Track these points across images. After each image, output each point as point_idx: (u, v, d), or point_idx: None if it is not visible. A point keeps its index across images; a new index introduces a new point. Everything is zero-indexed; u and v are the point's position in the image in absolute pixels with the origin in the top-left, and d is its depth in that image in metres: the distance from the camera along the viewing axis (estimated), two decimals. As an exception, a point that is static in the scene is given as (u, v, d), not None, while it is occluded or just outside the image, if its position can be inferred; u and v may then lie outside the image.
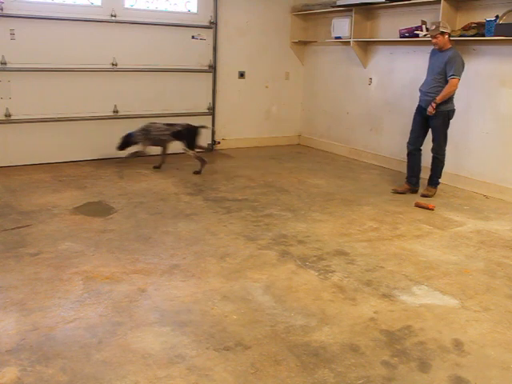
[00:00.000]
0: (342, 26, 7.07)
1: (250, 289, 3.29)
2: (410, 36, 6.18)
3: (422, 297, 3.27)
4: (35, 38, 6.22)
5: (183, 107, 7.39)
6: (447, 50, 5.12)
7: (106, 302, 3.06)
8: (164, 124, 6.27)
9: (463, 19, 5.76)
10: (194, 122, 7.45)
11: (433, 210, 5.05)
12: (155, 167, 6.49)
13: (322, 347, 2.67)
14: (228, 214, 4.75)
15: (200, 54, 7.40)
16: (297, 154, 7.81)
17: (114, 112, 6.86)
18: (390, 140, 6.94)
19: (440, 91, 5.10)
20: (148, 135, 6.18)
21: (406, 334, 2.83)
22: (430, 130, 5.39)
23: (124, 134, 6.22)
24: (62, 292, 3.15)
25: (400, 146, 6.76)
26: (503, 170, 5.50)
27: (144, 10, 6.92)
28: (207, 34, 7.41)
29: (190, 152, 6.22)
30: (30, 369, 2.41)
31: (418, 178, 5.59)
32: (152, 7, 7.01)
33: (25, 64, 6.21)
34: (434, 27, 5.13)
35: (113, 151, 6.65)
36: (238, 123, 8.02)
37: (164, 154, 6.49)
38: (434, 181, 5.50)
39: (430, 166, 5.48)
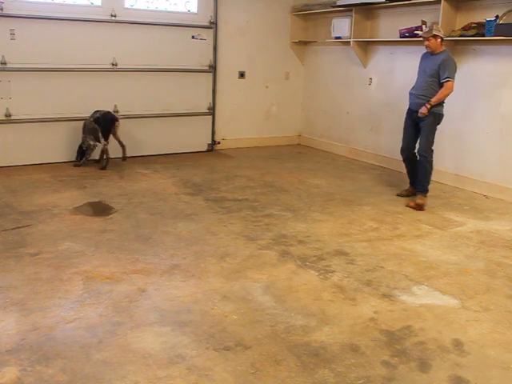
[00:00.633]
0: (342, 26, 7.07)
1: (250, 289, 3.29)
2: (410, 36, 6.18)
3: (422, 297, 3.27)
4: (35, 38, 6.22)
5: (183, 107, 7.39)
6: (440, 53, 5.05)
7: (106, 302, 3.06)
8: (92, 113, 6.36)
9: (463, 19, 5.76)
10: (194, 122, 7.54)
11: (423, 210, 5.02)
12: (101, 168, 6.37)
13: (322, 347, 2.67)
14: (228, 214, 4.75)
15: (200, 54, 7.40)
16: (297, 154, 7.81)
17: (114, 112, 6.85)
18: (390, 140, 6.93)
19: (432, 94, 5.03)
20: (85, 131, 6.30)
21: (406, 333, 2.83)
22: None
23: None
24: (62, 292, 3.15)
25: (400, 145, 6.76)
26: (503, 169, 5.50)
27: (144, 10, 6.92)
28: (207, 34, 7.41)
29: (102, 141, 6.24)
30: (29, 369, 2.41)
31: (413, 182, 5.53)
32: (152, 7, 7.01)
33: (25, 64, 6.21)
34: (427, 29, 5.11)
35: (113, 152, 6.67)
36: (238, 123, 8.02)
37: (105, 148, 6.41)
38: (421, 187, 5.21)
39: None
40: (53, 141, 6.54)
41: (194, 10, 7.30)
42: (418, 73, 5.31)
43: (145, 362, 2.49)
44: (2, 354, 2.51)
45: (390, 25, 6.75)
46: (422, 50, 6.28)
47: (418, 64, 6.41)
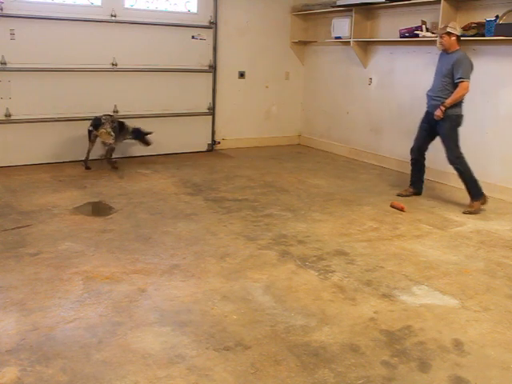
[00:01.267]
0: (342, 26, 7.07)
1: (250, 289, 3.29)
2: (410, 36, 6.17)
3: (422, 297, 3.27)
4: (35, 38, 6.22)
5: (183, 107, 7.39)
6: (454, 52, 4.93)
7: (106, 301, 3.06)
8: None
9: (463, 19, 5.76)
10: (194, 122, 7.54)
11: (404, 211, 4.97)
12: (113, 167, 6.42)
13: (322, 347, 2.67)
14: (228, 214, 4.75)
15: (200, 54, 7.40)
16: (297, 154, 7.81)
17: (114, 112, 6.85)
18: (390, 140, 6.94)
19: (448, 95, 4.90)
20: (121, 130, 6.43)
21: (406, 333, 2.83)
22: (437, 137, 5.18)
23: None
24: (62, 292, 3.15)
25: (400, 145, 6.77)
26: (503, 169, 5.50)
27: (144, 10, 6.92)
28: (207, 34, 7.41)
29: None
30: (29, 369, 2.41)
31: (422, 181, 5.54)
32: (152, 7, 7.01)
33: (25, 64, 6.21)
34: (442, 26, 4.98)
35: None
36: (238, 123, 8.02)
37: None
38: (470, 194, 5.07)
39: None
40: (53, 141, 6.54)
41: (194, 10, 7.30)
42: (435, 73, 5.18)
43: (145, 361, 2.49)
44: (2, 354, 2.51)
45: (390, 25, 6.75)
46: (422, 49, 6.33)
47: (417, 64, 6.46)
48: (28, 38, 6.18)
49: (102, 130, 6.13)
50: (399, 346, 2.70)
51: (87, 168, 6.30)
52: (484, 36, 5.34)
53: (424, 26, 6.02)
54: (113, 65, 6.76)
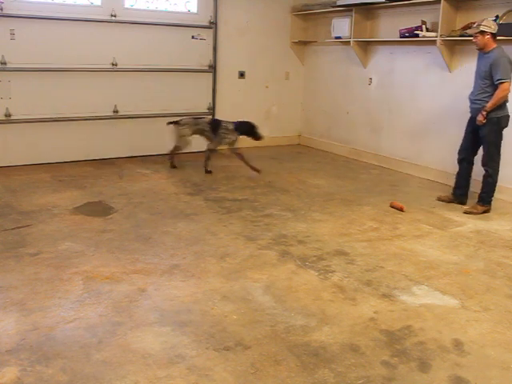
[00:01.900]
0: (342, 26, 7.07)
1: (250, 289, 3.29)
2: (410, 36, 6.17)
3: (422, 297, 3.27)
4: (35, 38, 6.22)
5: (183, 107, 7.38)
6: (491, 51, 4.72)
7: (105, 301, 3.06)
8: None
9: (463, 19, 5.76)
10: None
11: (403, 211, 4.94)
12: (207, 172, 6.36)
13: (322, 347, 2.67)
14: (228, 214, 4.75)
15: (200, 54, 7.40)
16: (297, 154, 7.81)
17: (114, 112, 6.86)
18: (390, 140, 6.94)
19: (488, 97, 4.72)
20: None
21: (405, 333, 2.83)
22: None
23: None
24: (62, 292, 3.15)
25: (400, 146, 6.78)
26: (503, 170, 5.49)
27: (144, 10, 6.92)
28: (207, 34, 7.41)
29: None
30: (29, 369, 2.41)
31: (463, 190, 5.25)
32: (152, 7, 7.01)
33: (25, 64, 6.21)
34: (475, 25, 4.75)
35: (112, 151, 6.68)
36: (238, 123, 8.01)
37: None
38: (480, 197, 5.04)
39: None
40: (53, 141, 6.54)
41: (194, 10, 7.30)
42: (474, 75, 4.99)
43: (145, 361, 2.49)
44: (2, 354, 2.51)
45: (389, 25, 6.75)
46: (422, 49, 6.32)
47: (418, 64, 6.46)
48: (28, 37, 6.18)
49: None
50: (399, 346, 2.70)
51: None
52: (484, 36, 5.32)
53: (424, 26, 6.02)
54: (113, 65, 6.76)
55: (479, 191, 5.08)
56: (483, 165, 4.99)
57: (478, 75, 4.89)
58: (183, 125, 6.19)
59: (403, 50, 6.63)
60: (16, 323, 2.78)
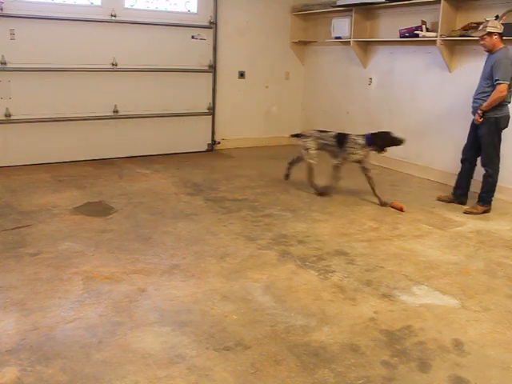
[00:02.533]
0: (342, 26, 7.07)
1: (249, 289, 3.29)
2: (410, 36, 6.18)
3: (422, 297, 3.27)
4: (35, 38, 6.22)
5: (183, 107, 7.39)
6: (496, 51, 4.70)
7: (105, 301, 3.06)
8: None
9: (463, 19, 5.76)
10: (194, 122, 7.54)
11: (403, 211, 4.94)
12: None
13: (322, 347, 2.67)
14: (228, 214, 4.75)
15: (200, 53, 7.40)
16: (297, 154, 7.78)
17: (114, 112, 6.86)
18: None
19: (486, 97, 4.74)
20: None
21: (406, 333, 2.83)
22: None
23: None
24: (62, 292, 3.15)
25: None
26: (502, 170, 5.49)
27: (144, 10, 6.92)
28: (207, 34, 7.41)
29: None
30: (29, 369, 2.41)
31: (463, 190, 5.24)
32: (152, 7, 7.01)
33: (25, 64, 6.21)
34: (481, 27, 4.74)
35: (112, 151, 6.69)
36: (238, 123, 8.02)
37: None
38: (480, 197, 5.04)
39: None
40: (53, 141, 6.53)
41: (194, 10, 7.30)
42: (481, 74, 4.97)
43: (145, 361, 2.49)
44: (2, 354, 2.51)
45: (389, 25, 6.75)
46: (422, 49, 6.32)
47: (417, 64, 6.46)
48: (28, 37, 6.17)
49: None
50: (399, 346, 2.70)
51: (320, 193, 5.50)
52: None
53: (424, 26, 6.02)
54: (113, 65, 6.76)
55: (479, 191, 5.08)
56: (483, 165, 4.99)
57: (483, 75, 4.89)
58: (307, 137, 5.59)
59: (403, 49, 6.63)
60: (16, 323, 2.78)
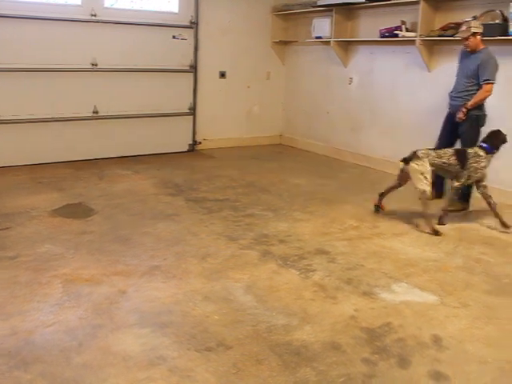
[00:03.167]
0: (323, 26, 7.11)
1: (231, 289, 3.28)
2: (389, 36, 6.24)
3: (402, 294, 3.31)
4: (14, 37, 6.10)
5: (164, 107, 7.35)
6: (479, 51, 4.78)
7: (85, 304, 3.03)
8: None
9: (442, 19, 5.83)
10: (175, 122, 7.51)
11: (383, 210, 4.92)
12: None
13: (304, 346, 2.68)
14: (209, 214, 4.74)
15: (181, 54, 7.37)
16: (278, 154, 7.83)
17: (93, 112, 6.78)
18: (371, 139, 7.00)
19: (471, 96, 4.79)
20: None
21: (386, 331, 2.86)
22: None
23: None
24: (41, 295, 3.11)
25: (380, 144, 6.83)
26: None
27: (124, 10, 6.87)
28: (188, 34, 7.38)
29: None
30: (7, 374, 2.37)
31: (439, 187, 5.26)
32: (132, 7, 6.95)
33: (1, 64, 6.09)
34: (464, 28, 4.78)
35: (93, 152, 6.61)
36: (220, 123, 8.00)
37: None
38: (458, 195, 4.88)
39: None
40: (30, 142, 6.40)
41: (175, 9, 7.26)
42: (457, 73, 5.05)
43: (125, 364, 2.47)
44: (-21, 359, 2.47)
45: (370, 25, 6.80)
46: (402, 49, 6.39)
47: (397, 64, 6.51)
48: (6, 37, 6.06)
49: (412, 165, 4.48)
50: (379, 343, 2.73)
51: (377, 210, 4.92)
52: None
53: (404, 26, 6.08)
54: (93, 65, 6.69)
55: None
56: None
57: (463, 74, 4.94)
58: (421, 159, 4.47)
59: (383, 49, 6.69)
60: (-6, 327, 2.74)
